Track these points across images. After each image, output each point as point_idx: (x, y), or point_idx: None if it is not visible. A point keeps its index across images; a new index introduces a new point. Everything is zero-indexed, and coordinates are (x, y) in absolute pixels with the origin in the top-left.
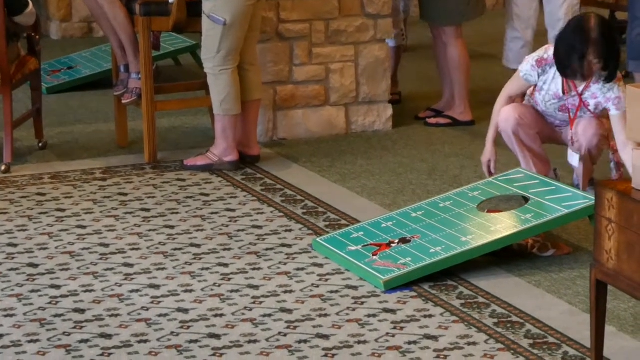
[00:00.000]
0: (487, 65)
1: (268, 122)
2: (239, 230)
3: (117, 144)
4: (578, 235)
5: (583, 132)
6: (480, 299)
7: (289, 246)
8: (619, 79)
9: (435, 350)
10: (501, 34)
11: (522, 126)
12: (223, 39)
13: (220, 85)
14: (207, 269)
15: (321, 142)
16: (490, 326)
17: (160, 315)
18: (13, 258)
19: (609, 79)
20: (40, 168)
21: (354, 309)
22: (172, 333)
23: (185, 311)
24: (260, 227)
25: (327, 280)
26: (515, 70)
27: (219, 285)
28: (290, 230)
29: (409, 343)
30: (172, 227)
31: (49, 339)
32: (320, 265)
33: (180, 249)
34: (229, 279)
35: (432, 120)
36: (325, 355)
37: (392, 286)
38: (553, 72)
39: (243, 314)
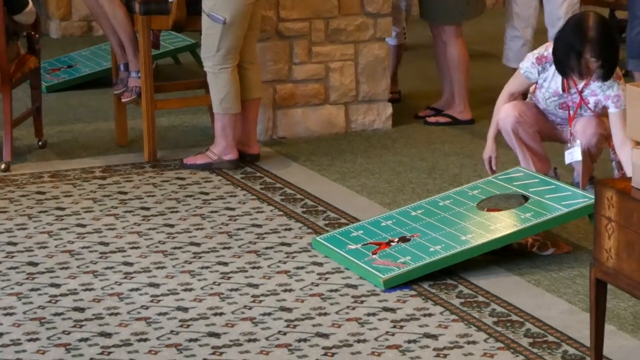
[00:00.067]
0: (487, 64)
1: (268, 121)
2: (238, 229)
3: (116, 143)
4: (578, 234)
5: (582, 131)
6: (480, 298)
7: (289, 245)
8: (619, 77)
9: (434, 349)
10: (501, 32)
11: (521, 124)
12: (223, 38)
13: (220, 84)
14: (207, 267)
15: (321, 140)
16: (489, 325)
17: (159, 314)
18: (13, 257)
19: (606, 76)
20: (39, 167)
21: (353, 308)
22: (171, 332)
23: (185, 310)
24: (259, 226)
25: (326, 279)
26: (515, 69)
27: (219, 284)
28: (289, 229)
29: (409, 342)
30: (171, 225)
31: (48, 338)
32: (320, 264)
33: (179, 247)
34: (229, 278)
35: (432, 119)
36: (325, 354)
37: (392, 285)
38: (553, 70)
39: (243, 312)
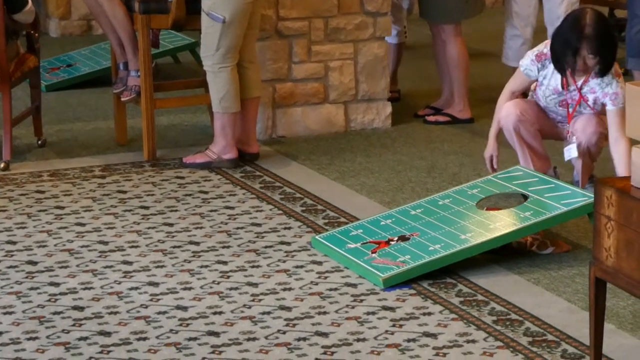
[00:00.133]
0: (486, 63)
1: (267, 120)
2: (238, 228)
3: (116, 142)
4: (577, 232)
5: (582, 130)
6: (479, 297)
7: (288, 244)
8: (618, 74)
9: (434, 348)
10: (500, 31)
11: (522, 122)
12: (222, 37)
13: (220, 83)
14: (206, 266)
15: (320, 139)
16: (489, 324)
17: (159, 313)
18: (12, 255)
19: (603, 73)
20: (39, 166)
21: (353, 307)
22: (171, 330)
23: (184, 309)
24: (259, 225)
25: (326, 277)
26: (514, 68)
27: (218, 283)
28: (289, 228)
29: (408, 341)
30: (171, 224)
31: (48, 337)
32: (319, 263)
33: (179, 246)
34: (228, 277)
35: (431, 118)
36: (324, 353)
37: (391, 284)
38: (552, 67)
39: (242, 311)
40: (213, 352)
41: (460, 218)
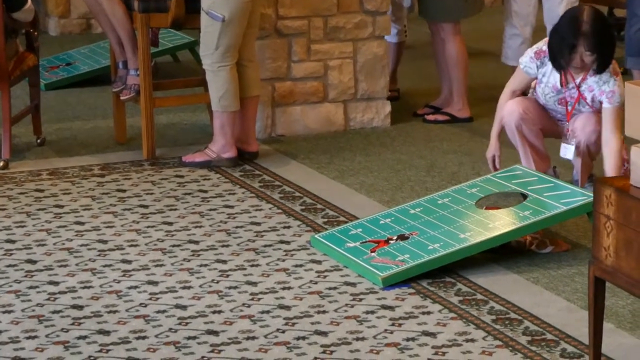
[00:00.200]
0: (486, 62)
1: (266, 119)
2: (237, 227)
3: (115, 141)
4: (576, 232)
5: (582, 128)
6: (479, 296)
7: (288, 243)
8: (616, 73)
9: (433, 347)
10: (499, 30)
11: (525, 121)
12: (222, 36)
13: (219, 82)
14: (206, 265)
15: (319, 138)
16: (488, 323)
17: (158, 312)
18: (11, 254)
19: (600, 70)
20: (38, 164)
21: (352, 306)
22: (170, 329)
23: (184, 307)
24: (258, 224)
25: (325, 276)
26: (514, 68)
27: (217, 282)
28: (288, 227)
29: (407, 340)
30: (170, 223)
31: (47, 335)
32: (319, 262)
33: (178, 245)
34: (227, 276)
35: (431, 117)
36: (324, 352)
37: (390, 283)
38: (551, 65)
39: (241, 310)
40: (212, 351)
41: (459, 217)
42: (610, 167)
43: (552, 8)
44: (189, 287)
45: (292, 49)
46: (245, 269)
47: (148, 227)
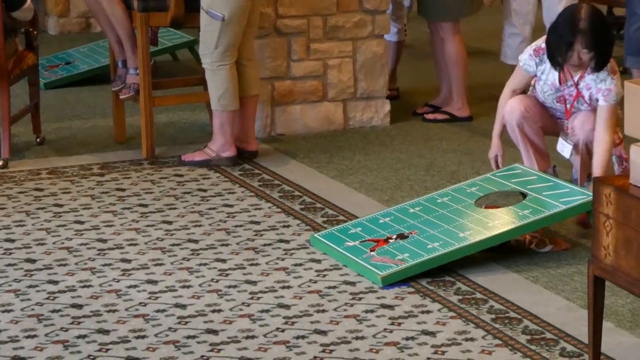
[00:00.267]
0: (485, 61)
1: (266, 118)
2: (236, 226)
3: (114, 140)
4: (576, 231)
5: (581, 126)
6: (478, 295)
7: (287, 242)
8: (614, 71)
9: (432, 346)
10: (499, 29)
11: (527, 119)
12: (221, 35)
13: (218, 81)
14: (205, 264)
15: (319, 137)
16: (487, 322)
17: (157, 311)
18: (11, 253)
19: (598, 68)
20: (37, 163)
21: (351, 305)
22: (169, 328)
23: (183, 307)
24: (258, 223)
25: (324, 276)
26: (513, 67)
27: (217, 281)
28: (288, 226)
29: (407, 339)
30: (169, 222)
31: (46, 335)
32: (318, 261)
33: (178, 244)
34: (227, 275)
35: (430, 116)
36: (323, 351)
37: (390, 282)
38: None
39: (241, 309)
40: (212, 350)
41: (458, 216)
42: (598, 164)
43: (552, 7)
44: (188, 286)
45: (292, 48)
46: (244, 268)
47: (147, 226)
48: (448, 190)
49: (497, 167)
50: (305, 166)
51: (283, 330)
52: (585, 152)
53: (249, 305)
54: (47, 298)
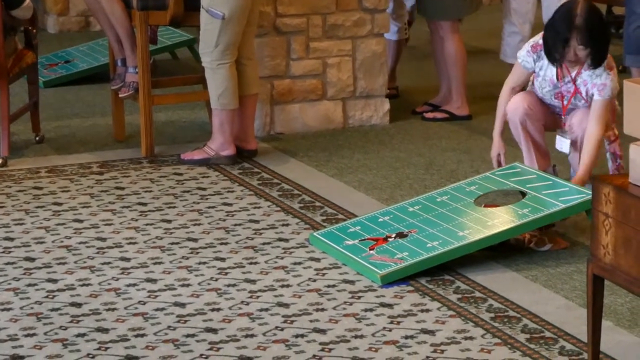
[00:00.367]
0: (485, 60)
1: (265, 117)
2: (236, 225)
3: (114, 138)
4: (575, 229)
5: (579, 124)
6: (477, 294)
7: (286, 240)
8: (610, 67)
9: (432, 345)
10: (498, 28)
11: (529, 117)
12: (221, 33)
13: (218, 80)
14: (204, 263)
15: (318, 136)
16: (487, 321)
17: (157, 309)
18: (10, 252)
19: (595, 64)
20: (37, 162)
21: (350, 304)
22: (169, 327)
23: (182, 305)
24: (257, 222)
25: (324, 274)
26: (512, 65)
27: (216, 280)
28: (287, 225)
29: (406, 337)
30: (169, 221)
31: (45, 333)
32: (317, 260)
33: (177, 243)
34: (226, 273)
35: (429, 115)
36: (322, 350)
37: (389, 280)
38: None
39: (240, 308)
40: (211, 349)
41: (458, 215)
42: (586, 157)
43: (551, 5)
44: (187, 285)
45: (291, 46)
46: (243, 266)
47: (147, 224)
48: (447, 189)
49: (499, 165)
50: (305, 165)
51: (282, 329)
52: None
53: (248, 303)
54: (46, 296)
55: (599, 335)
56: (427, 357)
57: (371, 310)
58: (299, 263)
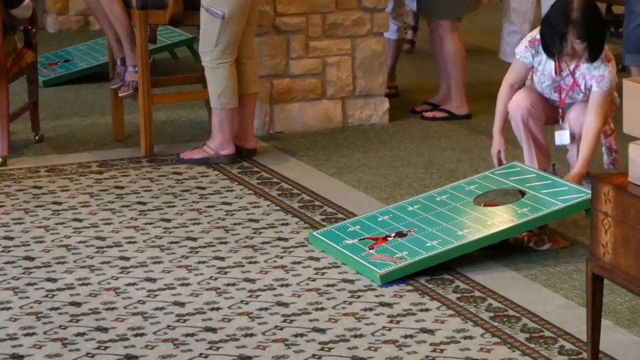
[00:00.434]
0: (484, 59)
1: (265, 116)
2: (235, 224)
3: (113, 137)
4: (574, 229)
5: (575, 119)
6: (477, 293)
7: (286, 240)
8: (608, 59)
9: (431, 344)
10: (498, 27)
11: (532, 115)
12: (221, 33)
13: (218, 79)
14: (204, 262)
15: (318, 135)
16: (486, 320)
17: (156, 309)
18: (9, 251)
19: (592, 58)
20: (36, 161)
21: (350, 303)
22: (168, 326)
23: (182, 304)
24: (256, 221)
25: (323, 273)
26: None
27: (215, 279)
28: (286, 224)
29: (405, 337)
30: (168, 220)
31: (45, 332)
32: (317, 259)
33: (176, 242)
34: (225, 273)
35: (429, 114)
36: (322, 349)
37: (389, 280)
38: None
39: (239, 307)
40: (210, 348)
41: (457, 214)
42: (585, 148)
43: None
44: (187, 284)
45: (291, 45)
46: (243, 266)
47: (146, 224)
48: (447, 188)
49: (500, 162)
50: (304, 164)
51: (282, 328)
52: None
53: (247, 303)
54: (46, 296)
55: (599, 335)
56: (427, 356)
57: (370, 309)
58: (299, 262)
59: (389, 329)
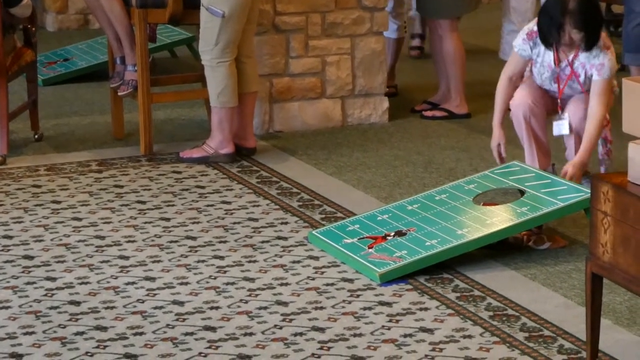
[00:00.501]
0: (484, 58)
1: (264, 115)
2: (234, 223)
3: (113, 136)
4: (574, 228)
5: (574, 113)
6: (476, 292)
7: (285, 239)
8: (607, 47)
9: (430, 343)
10: (497, 27)
11: (534, 113)
12: (221, 31)
13: (218, 78)
14: (203, 261)
15: (317, 134)
16: (485, 319)
17: (155, 308)
18: (8, 250)
19: (589, 47)
20: (36, 160)
21: (349, 302)
22: (167, 325)
23: (181, 304)
24: (256, 220)
25: (322, 273)
26: None
27: (215, 278)
28: (286, 223)
29: (405, 336)
30: (167, 219)
31: (44, 331)
32: (316, 258)
33: (175, 241)
34: (225, 272)
35: (428, 113)
36: (321, 348)
37: (388, 279)
38: None
39: (239, 306)
40: (209, 347)
41: (456, 213)
42: (588, 136)
43: None
44: (186, 283)
45: (290, 45)
46: (242, 265)
47: (145, 223)
48: (446, 188)
49: (500, 156)
50: (304, 163)
51: (281, 327)
52: (578, 140)
53: (246, 302)
54: (45, 295)
55: (598, 334)
56: (426, 355)
57: (370, 308)
58: (298, 261)
59: (389, 328)
